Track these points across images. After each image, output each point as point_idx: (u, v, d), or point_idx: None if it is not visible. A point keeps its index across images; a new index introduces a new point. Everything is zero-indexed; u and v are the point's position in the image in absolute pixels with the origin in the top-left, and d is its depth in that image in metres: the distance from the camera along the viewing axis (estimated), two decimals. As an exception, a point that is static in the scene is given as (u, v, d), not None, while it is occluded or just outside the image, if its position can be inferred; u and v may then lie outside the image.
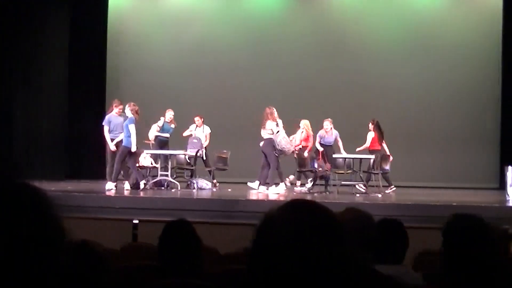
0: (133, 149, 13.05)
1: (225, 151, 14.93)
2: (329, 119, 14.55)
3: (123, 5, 18.58)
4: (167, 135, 14.73)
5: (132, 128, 12.95)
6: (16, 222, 1.19)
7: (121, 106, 13.53)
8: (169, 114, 14.73)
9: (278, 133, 13.32)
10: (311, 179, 14.07)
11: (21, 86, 16.55)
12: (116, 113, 13.59)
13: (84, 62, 17.62)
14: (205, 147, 14.75)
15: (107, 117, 13.71)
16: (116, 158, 13.21)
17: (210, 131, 14.90)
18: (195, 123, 14.97)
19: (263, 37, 18.01)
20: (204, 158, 14.82)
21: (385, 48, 17.76)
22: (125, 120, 13.26)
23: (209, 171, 14.87)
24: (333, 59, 17.78)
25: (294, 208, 1.35)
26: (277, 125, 13.43)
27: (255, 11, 18.31)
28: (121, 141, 13.31)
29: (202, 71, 18.03)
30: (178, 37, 18.30)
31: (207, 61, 17.99)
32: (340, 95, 17.60)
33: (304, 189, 14.04)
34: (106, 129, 13.59)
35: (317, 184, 13.95)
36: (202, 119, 14.92)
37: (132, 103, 13.37)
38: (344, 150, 14.65)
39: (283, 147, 13.27)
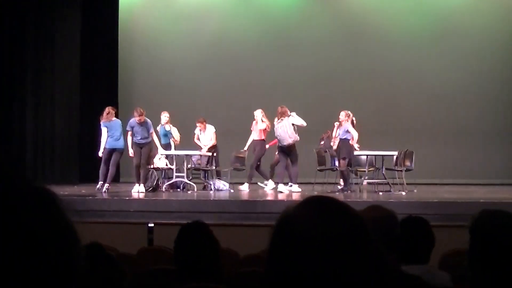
0: (99, 153, 13.62)
1: (242, 150, 14.93)
2: (346, 111, 14.12)
3: (134, 3, 18.62)
4: (174, 141, 14.62)
5: (102, 131, 13.54)
6: (28, 225, 1.19)
7: (141, 117, 13.51)
8: (163, 117, 14.53)
9: (280, 121, 13.36)
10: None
11: (33, 89, 16.67)
12: (137, 120, 13.58)
13: (96, 63, 17.71)
14: (212, 145, 14.73)
15: (129, 122, 13.75)
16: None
17: (214, 130, 14.80)
18: (198, 127, 14.91)
19: (280, 33, 18.00)
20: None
21: (408, 41, 17.68)
22: (147, 125, 13.43)
23: (217, 171, 14.90)
24: (354, 53, 17.75)
25: (312, 205, 1.33)
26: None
27: (272, 6, 18.29)
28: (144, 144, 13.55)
29: (218, 69, 18.05)
30: (192, 34, 18.32)
31: (222, 59, 18.00)
32: (362, 90, 17.54)
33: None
34: (129, 134, 13.62)
35: (337, 183, 13.90)
36: (204, 123, 14.81)
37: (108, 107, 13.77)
38: (367, 146, 14.42)
39: (278, 135, 13.34)
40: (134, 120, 13.51)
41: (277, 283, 1.28)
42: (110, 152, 13.47)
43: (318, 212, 1.30)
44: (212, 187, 14.24)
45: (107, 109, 13.65)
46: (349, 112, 13.83)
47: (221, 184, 14.43)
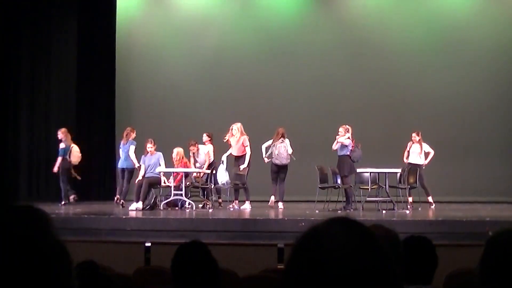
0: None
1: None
2: (344, 125, 14.04)
3: (132, 15, 18.62)
4: (73, 158, 15.07)
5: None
6: (19, 245, 1.20)
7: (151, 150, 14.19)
8: (59, 134, 15.08)
9: (282, 142, 14.17)
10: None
11: (28, 105, 16.72)
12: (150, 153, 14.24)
13: (93, 78, 17.74)
14: (210, 163, 14.90)
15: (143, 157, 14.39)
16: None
17: (207, 150, 14.98)
18: (191, 150, 15.05)
19: (281, 45, 18.01)
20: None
21: (412, 56, 17.65)
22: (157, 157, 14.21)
23: (216, 189, 14.92)
24: (356, 66, 17.75)
25: (342, 225, 1.36)
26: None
27: (273, 18, 18.27)
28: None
29: (218, 81, 18.05)
30: (191, 47, 18.32)
31: (222, 71, 18.01)
32: (365, 105, 17.53)
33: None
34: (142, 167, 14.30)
35: (340, 201, 13.87)
36: (196, 145, 14.98)
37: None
38: (371, 163, 14.38)
39: (279, 153, 14.14)
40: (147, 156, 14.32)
41: None
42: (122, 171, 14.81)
43: (345, 233, 1.33)
44: (211, 205, 14.30)
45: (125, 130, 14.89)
46: (348, 126, 13.90)
47: (247, 205, 14.39)
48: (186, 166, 14.60)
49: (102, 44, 17.97)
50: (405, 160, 14.70)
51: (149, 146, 14.15)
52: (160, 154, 14.23)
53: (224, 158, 14.60)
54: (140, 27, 18.61)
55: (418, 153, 14.59)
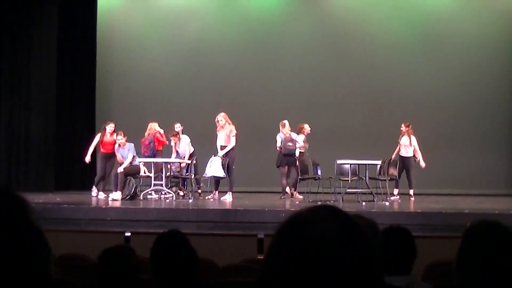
0: None
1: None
2: (282, 121, 14.59)
3: (114, 6, 18.51)
4: None
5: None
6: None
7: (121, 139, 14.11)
8: None
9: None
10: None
11: (8, 94, 16.58)
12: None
13: (73, 69, 17.63)
14: (191, 154, 14.85)
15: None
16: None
17: (189, 141, 14.93)
18: (173, 140, 15.03)
19: (263, 38, 17.98)
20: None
21: (394, 49, 17.68)
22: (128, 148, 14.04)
23: (196, 179, 14.89)
24: (338, 60, 17.76)
25: (326, 213, 1.35)
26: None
27: (255, 10, 18.25)
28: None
29: (199, 74, 17.99)
30: (172, 39, 18.25)
31: (203, 64, 17.94)
32: (347, 97, 17.56)
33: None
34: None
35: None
36: (177, 135, 14.96)
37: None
38: (352, 155, 14.41)
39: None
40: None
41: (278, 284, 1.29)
42: None
43: (329, 220, 1.33)
44: (191, 195, 14.26)
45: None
46: (284, 121, 14.48)
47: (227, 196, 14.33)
48: (157, 139, 14.81)
49: (82, 35, 17.85)
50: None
51: (120, 138, 14.02)
52: (130, 145, 14.12)
53: (220, 154, 14.41)
54: (121, 18, 18.50)
55: (406, 145, 14.52)
